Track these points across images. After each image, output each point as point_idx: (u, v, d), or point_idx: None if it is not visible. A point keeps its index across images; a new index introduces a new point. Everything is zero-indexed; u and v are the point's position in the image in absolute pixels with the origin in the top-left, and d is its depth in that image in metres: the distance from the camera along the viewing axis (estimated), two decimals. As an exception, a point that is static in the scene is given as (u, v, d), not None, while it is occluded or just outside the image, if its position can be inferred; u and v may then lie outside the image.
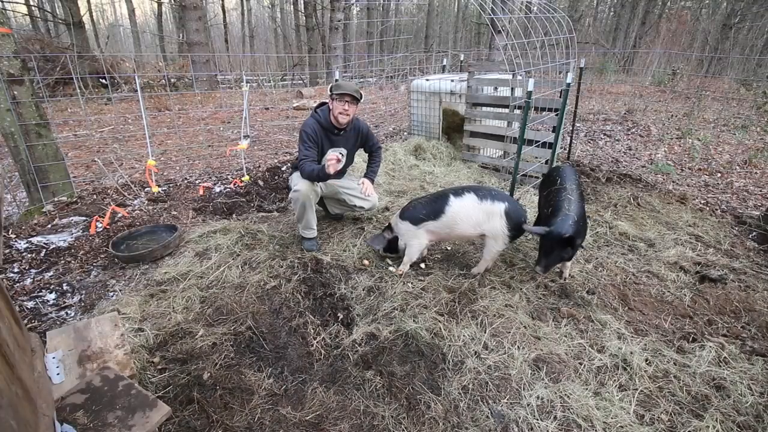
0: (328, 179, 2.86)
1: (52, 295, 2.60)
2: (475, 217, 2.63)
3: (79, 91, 8.09)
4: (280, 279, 2.72)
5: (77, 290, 2.66)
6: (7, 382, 0.99)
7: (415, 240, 2.80)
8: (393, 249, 2.95)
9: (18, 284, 2.68)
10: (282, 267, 2.84)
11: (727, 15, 16.45)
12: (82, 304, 2.53)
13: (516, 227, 2.60)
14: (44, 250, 3.06)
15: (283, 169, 4.87)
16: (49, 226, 3.43)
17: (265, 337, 2.26)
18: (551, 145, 4.03)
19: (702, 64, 12.78)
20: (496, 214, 2.59)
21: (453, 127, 5.38)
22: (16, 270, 2.83)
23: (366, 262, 2.99)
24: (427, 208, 2.73)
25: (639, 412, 1.86)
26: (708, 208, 4.04)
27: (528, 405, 1.88)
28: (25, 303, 2.50)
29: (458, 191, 2.69)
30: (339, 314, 2.44)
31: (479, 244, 3.08)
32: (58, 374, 1.60)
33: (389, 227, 2.93)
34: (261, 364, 2.10)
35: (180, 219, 3.61)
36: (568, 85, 3.77)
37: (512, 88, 4.27)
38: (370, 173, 3.27)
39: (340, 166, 2.91)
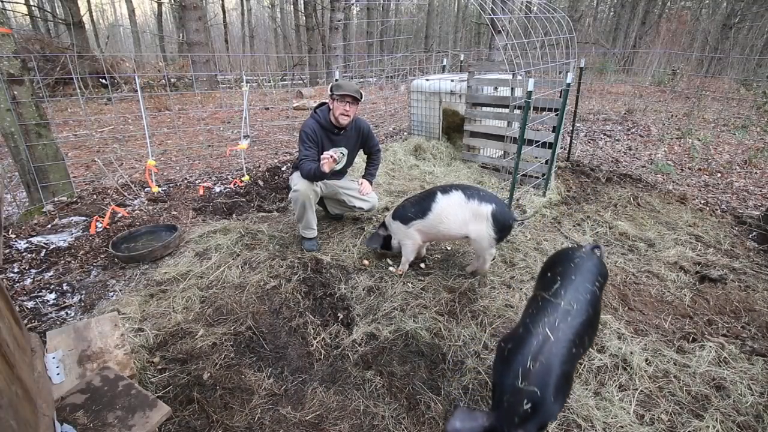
0: (325, 178, 2.85)
1: (52, 295, 2.60)
2: (462, 215, 2.58)
3: (79, 91, 8.09)
4: (280, 279, 2.72)
5: (77, 290, 2.66)
6: (7, 382, 0.99)
7: (408, 240, 2.79)
8: (388, 246, 2.95)
9: (18, 284, 2.68)
10: (282, 267, 2.84)
11: (727, 15, 16.46)
12: (82, 304, 2.53)
13: (502, 229, 2.55)
14: (44, 250, 3.06)
15: (283, 169, 4.87)
16: (49, 226, 3.43)
17: (265, 337, 2.26)
18: (551, 145, 4.03)
19: (702, 64, 12.78)
20: (483, 216, 2.54)
21: (453, 127, 5.38)
22: (16, 270, 2.83)
23: (366, 262, 2.99)
24: (416, 207, 2.71)
25: (639, 412, 1.86)
26: (708, 208, 4.04)
27: (528, 405, 1.88)
28: (25, 303, 2.50)
29: (446, 189, 2.66)
30: (339, 314, 2.44)
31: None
32: (58, 374, 1.60)
33: (383, 225, 2.93)
34: (261, 364, 2.10)
35: (180, 219, 3.61)
36: (568, 85, 3.77)
37: (512, 88, 4.27)
38: (369, 175, 3.27)
39: (338, 166, 2.91)
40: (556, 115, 3.94)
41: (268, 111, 8.86)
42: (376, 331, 2.30)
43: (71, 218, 3.56)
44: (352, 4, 16.54)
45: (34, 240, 3.18)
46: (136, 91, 4.21)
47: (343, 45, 12.76)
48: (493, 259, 2.89)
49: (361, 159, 3.64)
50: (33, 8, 12.89)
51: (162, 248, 2.97)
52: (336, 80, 3.43)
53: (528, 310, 1.74)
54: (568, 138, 5.62)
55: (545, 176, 4.14)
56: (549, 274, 1.82)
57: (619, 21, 20.91)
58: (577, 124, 6.98)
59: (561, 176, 4.73)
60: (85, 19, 13.49)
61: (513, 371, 1.48)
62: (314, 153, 2.87)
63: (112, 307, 2.41)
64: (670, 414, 1.86)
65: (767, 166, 5.29)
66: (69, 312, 2.47)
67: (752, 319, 2.48)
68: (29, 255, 2.99)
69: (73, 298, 2.59)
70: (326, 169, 2.68)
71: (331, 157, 2.67)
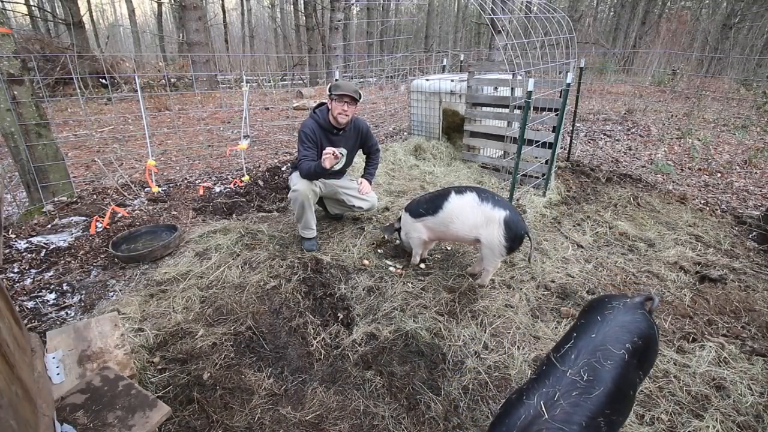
0: (326, 173, 2.85)
1: (52, 295, 2.60)
2: (473, 217, 2.54)
3: (79, 91, 8.08)
4: (280, 279, 2.72)
5: (77, 290, 2.66)
6: (7, 382, 0.99)
7: (414, 233, 2.82)
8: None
9: (18, 284, 2.68)
10: (282, 267, 2.84)
11: (727, 15, 16.46)
12: (82, 304, 2.53)
13: (514, 239, 2.46)
14: (44, 250, 3.06)
15: (283, 169, 4.87)
16: (49, 226, 3.43)
17: (265, 337, 2.26)
18: (551, 145, 4.03)
19: (702, 64, 12.78)
20: (495, 221, 2.47)
21: (453, 127, 5.38)
22: (16, 270, 2.83)
23: (366, 262, 2.99)
24: (429, 203, 2.72)
25: (639, 412, 1.86)
26: (708, 208, 4.04)
27: (528, 405, 1.88)
28: (25, 303, 2.50)
29: (461, 189, 2.64)
30: (339, 314, 2.44)
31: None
32: (58, 374, 1.60)
33: (400, 218, 2.98)
34: (261, 364, 2.10)
35: (180, 219, 3.61)
36: (568, 85, 3.77)
37: (512, 88, 4.27)
38: (368, 174, 3.28)
39: (338, 166, 2.92)
40: (556, 115, 3.94)
41: (268, 111, 8.86)
42: (376, 331, 2.30)
43: (71, 218, 3.56)
44: (352, 4, 16.54)
45: (34, 240, 3.18)
46: (136, 91, 4.21)
47: (343, 45, 12.75)
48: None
49: (360, 159, 3.65)
50: (33, 8, 12.89)
51: (162, 248, 2.97)
52: (335, 80, 3.44)
53: (535, 371, 1.39)
54: (568, 138, 5.62)
55: (545, 176, 4.14)
56: (572, 327, 1.49)
57: (619, 21, 20.90)
58: (577, 124, 6.98)
59: (561, 176, 4.73)
60: (85, 19, 13.49)
61: None
62: (313, 153, 2.88)
63: (112, 307, 2.41)
64: (670, 414, 1.86)
65: (767, 166, 5.28)
66: (69, 312, 2.47)
67: (752, 319, 2.48)
68: (29, 255, 2.99)
69: (73, 298, 2.59)
70: (327, 165, 2.70)
71: (333, 153, 2.69)
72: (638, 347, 1.33)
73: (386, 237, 3.20)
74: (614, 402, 1.21)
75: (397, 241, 3.19)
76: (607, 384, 1.21)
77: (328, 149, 2.71)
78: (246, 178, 4.46)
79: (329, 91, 2.83)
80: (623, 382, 1.25)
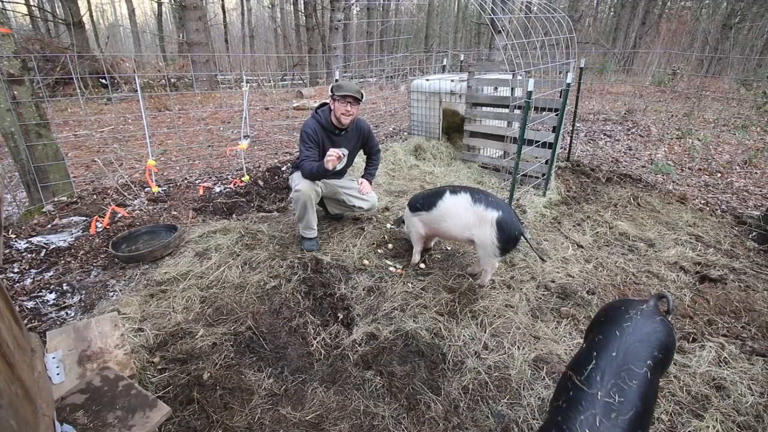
0: (328, 175, 2.87)
1: (52, 295, 2.60)
2: (465, 218, 2.55)
3: (79, 91, 8.09)
4: (280, 279, 2.72)
5: (77, 290, 2.66)
6: (7, 382, 0.99)
7: (412, 227, 2.89)
8: None
9: (18, 284, 2.68)
10: (282, 267, 2.84)
11: (727, 15, 16.46)
12: (82, 304, 2.53)
13: (507, 240, 2.44)
14: (44, 250, 3.06)
15: (283, 169, 4.87)
16: (49, 226, 3.43)
17: (265, 337, 2.26)
18: (551, 145, 4.03)
19: (702, 64, 12.78)
20: (487, 222, 2.46)
21: (453, 127, 5.38)
22: (16, 270, 2.82)
23: (366, 262, 2.99)
24: (425, 199, 2.76)
25: (639, 412, 1.86)
26: (708, 208, 4.04)
27: (528, 405, 1.88)
28: (25, 303, 2.50)
29: (456, 189, 2.67)
30: (339, 314, 2.44)
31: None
32: (58, 374, 1.60)
33: None
34: (261, 364, 2.10)
35: (180, 219, 3.61)
36: (568, 85, 3.77)
37: (512, 88, 4.27)
38: (368, 174, 3.29)
39: (339, 166, 2.93)
40: (556, 115, 3.94)
41: (268, 111, 8.86)
42: (376, 331, 2.30)
43: (71, 218, 3.56)
44: (352, 4, 16.54)
45: (34, 240, 3.18)
46: (136, 91, 4.21)
47: (343, 45, 12.75)
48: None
49: (360, 159, 3.65)
50: (33, 8, 12.90)
51: (162, 248, 2.97)
52: (336, 80, 3.44)
53: (558, 396, 1.32)
54: (568, 138, 5.61)
55: (545, 176, 4.14)
56: (586, 342, 1.44)
57: (619, 21, 20.90)
58: (577, 124, 6.98)
59: (561, 176, 4.73)
60: (85, 19, 13.48)
61: None
62: (315, 153, 2.88)
63: (112, 307, 2.41)
64: (670, 414, 1.86)
65: (767, 166, 5.28)
66: (69, 312, 2.47)
67: (752, 319, 2.48)
68: (29, 255, 2.99)
69: (73, 298, 2.59)
70: (330, 166, 2.72)
71: (337, 155, 2.70)
72: (659, 360, 1.32)
73: (397, 227, 3.37)
74: (644, 421, 1.20)
75: (404, 231, 3.26)
76: (636, 404, 1.19)
77: (332, 151, 2.72)
78: (246, 178, 4.46)
79: (331, 91, 2.83)
80: (648, 401, 1.24)
